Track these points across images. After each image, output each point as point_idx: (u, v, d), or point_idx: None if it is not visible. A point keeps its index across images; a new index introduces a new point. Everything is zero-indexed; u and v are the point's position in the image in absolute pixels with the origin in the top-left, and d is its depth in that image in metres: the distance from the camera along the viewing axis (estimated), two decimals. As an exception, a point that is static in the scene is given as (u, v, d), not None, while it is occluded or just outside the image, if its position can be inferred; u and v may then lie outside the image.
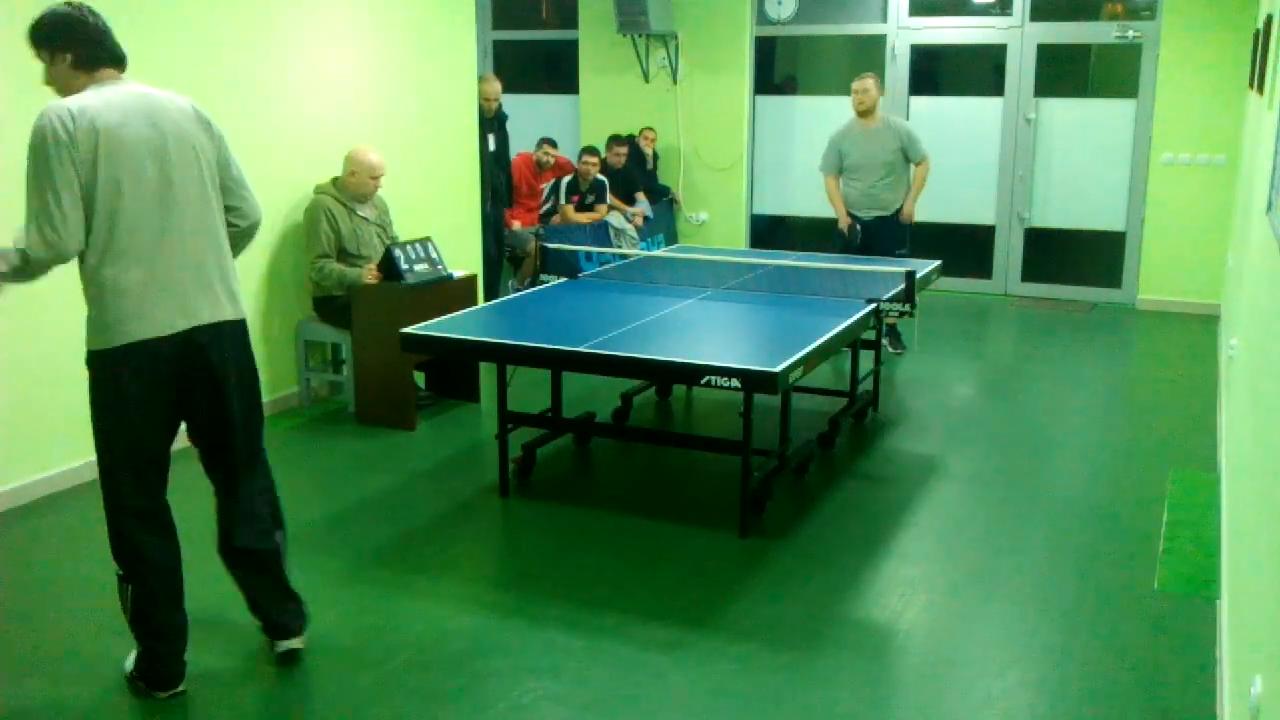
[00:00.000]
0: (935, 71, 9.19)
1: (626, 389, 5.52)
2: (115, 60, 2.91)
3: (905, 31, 8.85)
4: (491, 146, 7.27)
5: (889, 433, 5.42)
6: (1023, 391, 6.20)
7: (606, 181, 8.41)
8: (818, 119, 8.72)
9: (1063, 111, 8.56)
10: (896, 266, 5.20)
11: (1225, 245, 7.68)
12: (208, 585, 3.47)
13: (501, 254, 7.64)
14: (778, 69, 9.68)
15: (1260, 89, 5.51)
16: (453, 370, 5.83)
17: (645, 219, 8.72)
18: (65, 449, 4.50)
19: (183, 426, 3.06)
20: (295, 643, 3.21)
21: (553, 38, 10.06)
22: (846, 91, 6.82)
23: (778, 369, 3.71)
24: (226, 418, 3.03)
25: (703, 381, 3.78)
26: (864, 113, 6.73)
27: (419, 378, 5.74)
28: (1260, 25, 6.27)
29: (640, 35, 9.15)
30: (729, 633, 3.41)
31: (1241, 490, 3.35)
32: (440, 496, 4.55)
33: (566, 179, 8.32)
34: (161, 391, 2.91)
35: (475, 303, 5.69)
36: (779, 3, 9.16)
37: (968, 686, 3.15)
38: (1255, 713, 2.16)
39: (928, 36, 8.86)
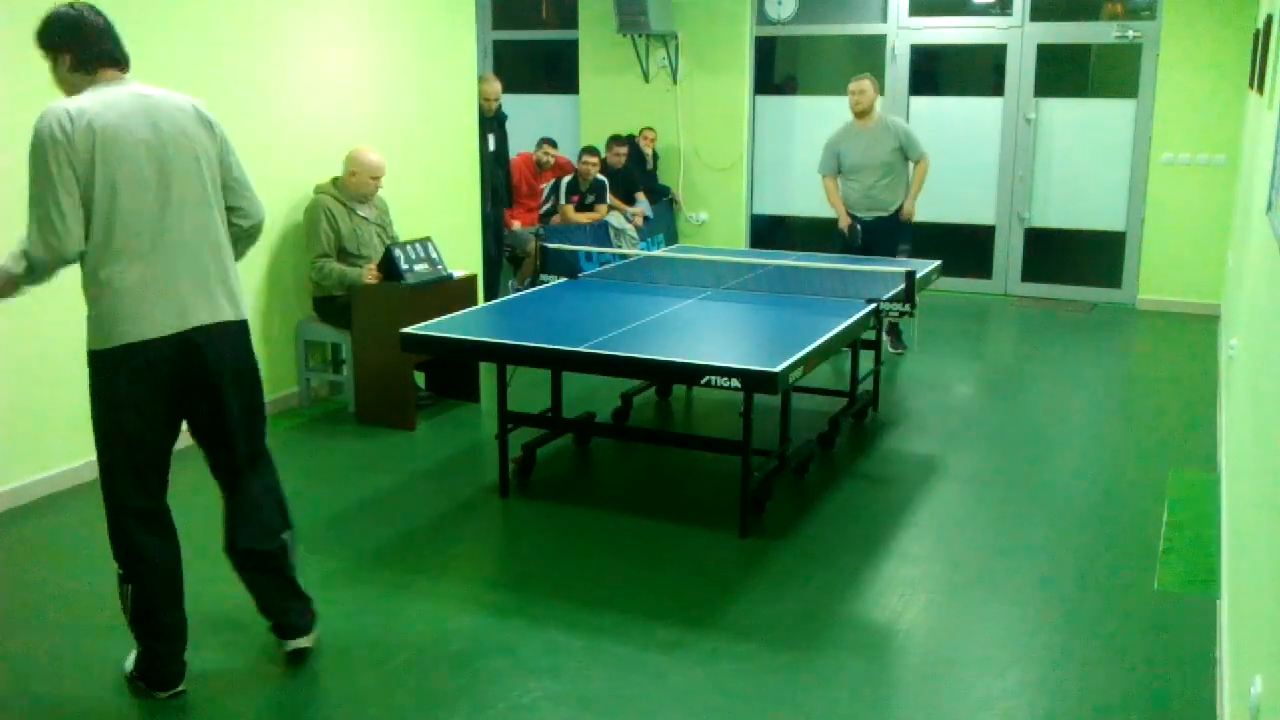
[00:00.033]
0: (935, 71, 9.19)
1: (626, 389, 5.52)
2: (116, 61, 2.91)
3: (905, 31, 8.85)
4: (491, 146, 7.27)
5: (889, 433, 5.42)
6: (1023, 391, 6.20)
7: (606, 181, 8.41)
8: (818, 119, 8.72)
9: (1063, 111, 8.56)
10: (896, 267, 5.21)
11: (1225, 245, 7.68)
12: (208, 585, 3.47)
13: (501, 254, 7.64)
14: (778, 69, 9.68)
15: (1260, 89, 5.51)
16: (453, 370, 5.83)
17: (645, 219, 8.72)
18: (65, 449, 4.50)
19: (184, 426, 3.06)
20: (303, 642, 3.21)
21: (553, 38, 10.06)
22: (846, 91, 6.82)
23: (778, 369, 3.71)
24: (224, 419, 3.03)
25: (703, 381, 3.78)
26: (861, 114, 6.73)
27: (419, 378, 5.74)
28: (1260, 25, 6.27)
29: (640, 35, 9.15)
30: (729, 633, 3.41)
31: (1241, 490, 3.35)
32: (440, 496, 4.55)
33: (566, 179, 8.32)
34: (159, 392, 2.91)
35: (475, 303, 5.69)
36: (779, 3, 9.16)
37: (968, 687, 3.15)
38: (1255, 713, 2.16)
39: (928, 36, 8.86)
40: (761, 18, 9.24)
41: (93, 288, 2.85)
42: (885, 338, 6.75)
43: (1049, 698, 3.08)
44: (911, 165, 6.81)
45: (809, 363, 3.94)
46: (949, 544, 4.14)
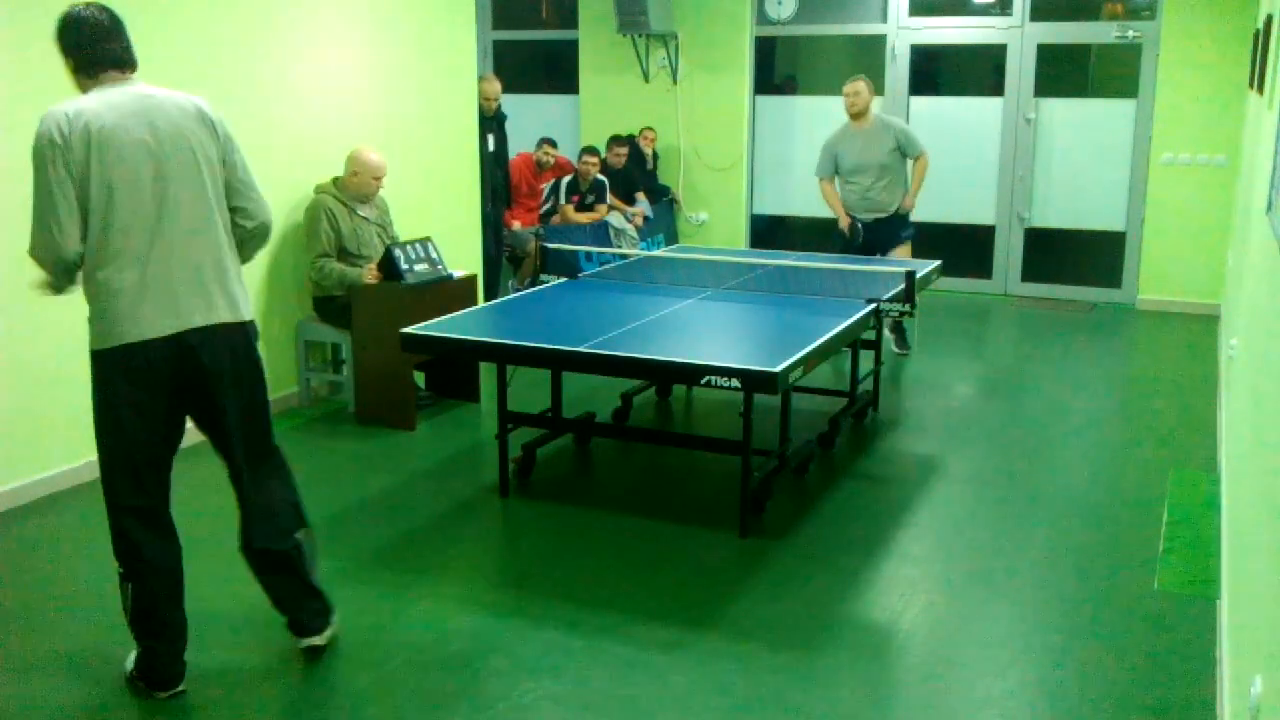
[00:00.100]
0: (935, 71, 9.19)
1: (626, 389, 5.52)
2: (117, 62, 2.91)
3: (905, 31, 8.85)
4: (491, 146, 7.27)
5: (889, 433, 5.42)
6: (1023, 391, 6.20)
7: (606, 181, 8.41)
8: (818, 119, 8.72)
9: (1063, 111, 8.56)
10: (896, 267, 5.20)
11: (1225, 245, 7.68)
12: (209, 585, 3.47)
13: (501, 254, 7.64)
14: (778, 69, 9.68)
15: (1260, 89, 5.51)
16: (453, 370, 5.83)
17: (645, 219, 8.72)
18: (65, 449, 4.50)
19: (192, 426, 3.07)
20: (317, 640, 3.22)
21: (553, 38, 10.06)
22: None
23: (778, 369, 3.71)
24: (221, 420, 3.03)
25: (703, 381, 3.78)
26: (856, 115, 6.72)
27: (419, 378, 5.74)
28: (1260, 25, 6.27)
29: (640, 35, 9.15)
30: (729, 633, 3.41)
31: (1241, 490, 3.35)
32: (440, 496, 4.55)
33: (566, 179, 8.32)
34: (157, 393, 2.91)
35: (475, 303, 5.69)
36: (779, 3, 9.16)
37: (968, 687, 3.15)
38: (1255, 713, 2.16)
39: (928, 36, 8.86)
40: (761, 18, 9.24)
41: (92, 288, 2.86)
42: (890, 337, 6.76)
43: (1049, 698, 3.08)
44: (910, 165, 6.81)
45: (809, 363, 3.94)
46: (949, 544, 4.14)
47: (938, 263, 5.78)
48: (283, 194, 5.46)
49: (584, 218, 8.21)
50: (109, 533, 2.98)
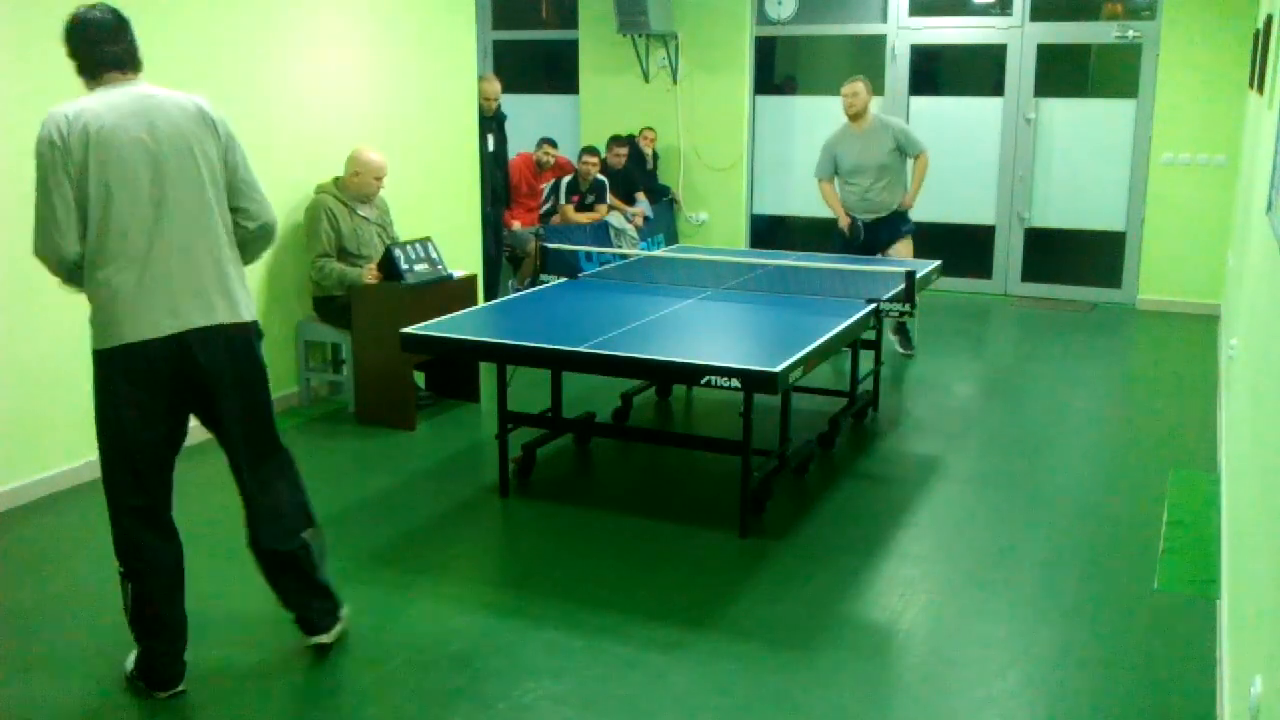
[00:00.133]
0: (935, 72, 9.19)
1: (626, 389, 5.52)
2: (119, 64, 2.91)
3: (905, 31, 8.85)
4: (491, 146, 7.27)
5: (889, 433, 5.42)
6: (1023, 391, 6.20)
7: (606, 181, 8.41)
8: (818, 119, 8.72)
9: (1063, 111, 8.56)
10: (896, 267, 5.20)
11: (1225, 245, 7.68)
12: (209, 584, 3.47)
13: (501, 254, 7.64)
14: (778, 69, 9.68)
15: (1260, 89, 5.51)
16: (453, 370, 5.83)
17: (645, 219, 8.72)
18: (65, 449, 4.50)
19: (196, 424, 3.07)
20: (324, 638, 3.23)
21: (553, 38, 10.06)
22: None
23: (778, 369, 3.71)
24: (220, 421, 3.04)
25: (703, 381, 3.78)
26: (855, 116, 6.71)
27: (419, 378, 5.74)
28: (1260, 25, 6.27)
29: (640, 35, 9.15)
30: (729, 633, 3.41)
31: (1241, 490, 3.35)
32: (440, 496, 4.55)
33: (566, 179, 8.32)
34: (158, 393, 2.92)
35: (475, 303, 5.69)
36: (779, 3, 9.16)
37: (968, 686, 3.15)
38: (1255, 713, 2.16)
39: (928, 36, 8.86)
40: (761, 18, 9.24)
41: (92, 288, 2.87)
42: (893, 338, 6.76)
43: (1049, 698, 3.08)
44: (910, 164, 6.80)
45: (809, 363, 3.94)
46: (949, 544, 4.14)
47: (938, 263, 5.79)
48: (283, 194, 5.45)
49: (584, 218, 8.21)
50: (109, 532, 2.98)
